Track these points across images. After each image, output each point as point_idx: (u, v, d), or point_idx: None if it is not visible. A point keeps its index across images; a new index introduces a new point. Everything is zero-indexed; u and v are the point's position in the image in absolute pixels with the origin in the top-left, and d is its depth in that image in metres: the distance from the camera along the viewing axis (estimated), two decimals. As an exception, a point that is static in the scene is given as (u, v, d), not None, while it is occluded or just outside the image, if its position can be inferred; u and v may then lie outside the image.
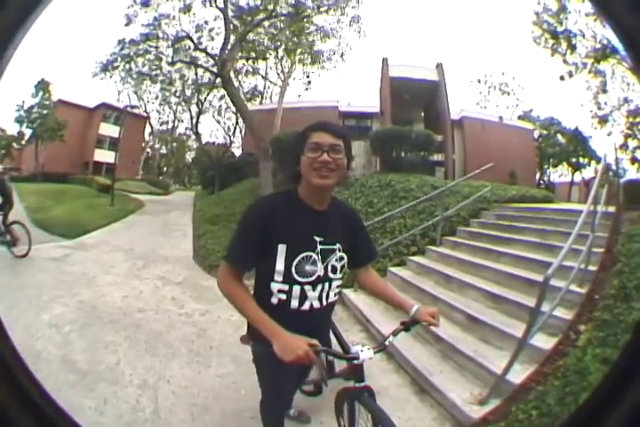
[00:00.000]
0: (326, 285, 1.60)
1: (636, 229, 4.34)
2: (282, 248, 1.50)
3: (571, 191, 29.45)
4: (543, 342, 3.08)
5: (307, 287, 1.55)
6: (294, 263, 1.51)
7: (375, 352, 1.56)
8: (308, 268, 1.53)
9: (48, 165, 27.88)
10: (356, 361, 1.52)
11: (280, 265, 1.50)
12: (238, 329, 3.93)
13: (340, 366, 2.11)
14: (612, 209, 5.19)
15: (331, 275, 1.61)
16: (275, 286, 1.53)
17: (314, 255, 1.54)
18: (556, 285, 3.25)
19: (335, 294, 1.68)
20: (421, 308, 1.66)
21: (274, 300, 1.55)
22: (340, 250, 1.63)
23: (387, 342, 1.63)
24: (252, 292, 1.60)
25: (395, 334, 1.65)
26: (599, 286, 3.59)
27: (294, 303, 1.54)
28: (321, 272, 1.56)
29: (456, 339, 3.48)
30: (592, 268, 3.84)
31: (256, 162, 12.63)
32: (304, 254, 1.52)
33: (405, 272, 5.52)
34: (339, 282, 1.67)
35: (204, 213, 13.08)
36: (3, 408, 0.67)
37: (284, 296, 1.54)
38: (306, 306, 1.56)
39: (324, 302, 1.62)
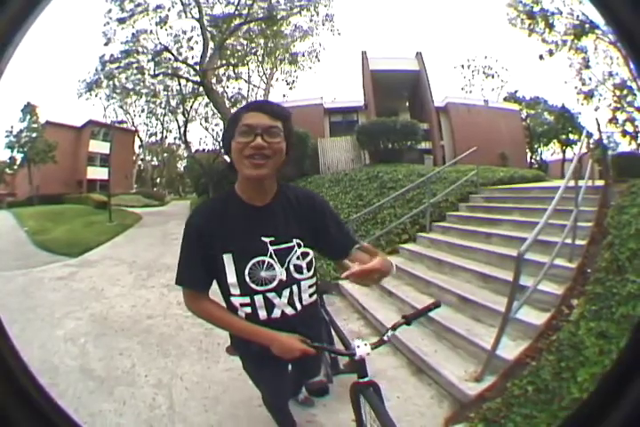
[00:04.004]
0: (294, 288, 1.43)
1: (626, 201, 4.38)
2: (228, 258, 1.35)
3: (563, 168, 29.50)
4: (535, 317, 3.13)
5: (270, 295, 1.39)
6: (246, 272, 1.35)
7: (373, 348, 1.50)
8: (264, 274, 1.37)
9: (42, 187, 27.90)
10: (355, 357, 1.46)
11: (232, 277, 1.35)
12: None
13: (342, 360, 2.37)
14: (601, 183, 5.26)
15: (296, 276, 1.43)
16: (235, 301, 1.40)
17: (267, 259, 1.37)
18: (543, 261, 3.37)
19: (310, 295, 1.51)
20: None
21: (241, 314, 1.41)
22: (300, 246, 1.43)
23: (385, 337, 1.55)
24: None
25: (394, 328, 1.58)
26: (590, 260, 3.62)
27: (262, 314, 1.41)
28: (282, 276, 1.39)
29: (449, 319, 3.56)
30: (581, 242, 3.87)
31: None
32: (255, 260, 1.36)
33: (398, 259, 5.64)
34: (310, 282, 1.49)
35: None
36: (3, 408, 0.67)
37: (248, 309, 1.40)
38: (276, 314, 1.42)
39: (299, 307, 1.46)
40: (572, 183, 3.89)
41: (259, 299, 1.38)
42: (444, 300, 3.94)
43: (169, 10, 14.36)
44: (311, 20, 15.48)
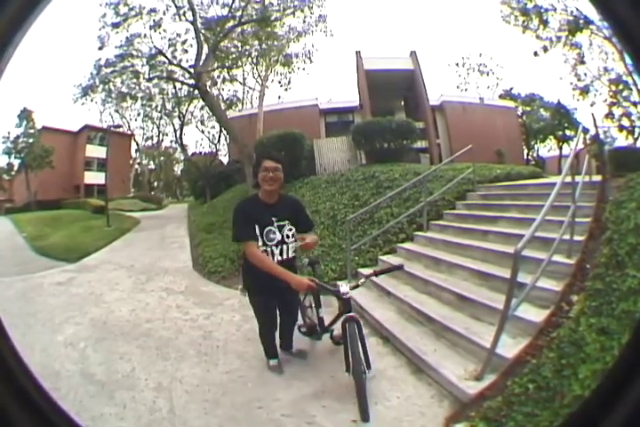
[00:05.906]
0: (284, 246, 2.87)
1: (624, 196, 4.32)
2: (257, 226, 2.76)
3: (560, 165, 29.49)
4: (535, 314, 3.08)
5: (273, 248, 2.82)
6: (264, 233, 2.78)
7: (351, 288, 2.77)
8: (271, 236, 2.81)
9: (40, 192, 27.89)
10: (340, 293, 2.66)
11: (259, 235, 2.76)
12: (240, 328, 4.20)
13: (327, 320, 3.22)
14: (599, 178, 5.19)
15: (286, 240, 2.87)
16: (260, 248, 2.76)
17: (273, 228, 2.81)
18: (542, 257, 3.33)
19: (292, 252, 2.93)
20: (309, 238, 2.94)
21: None
22: (289, 224, 2.88)
23: (360, 282, 2.96)
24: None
25: (367, 277, 2.96)
26: (589, 256, 3.57)
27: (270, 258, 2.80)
28: (279, 238, 2.84)
29: (447, 318, 3.52)
30: (580, 238, 3.82)
31: (243, 168, 12.82)
32: (267, 228, 2.79)
33: (395, 259, 5.60)
34: (292, 245, 2.92)
35: (198, 224, 13.25)
36: (3, 409, 0.68)
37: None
38: (276, 259, 2.81)
39: (285, 257, 2.88)
40: (569, 179, 3.82)
41: (268, 249, 2.80)
42: (442, 299, 4.00)
43: (163, 13, 14.38)
44: (304, 22, 15.48)
